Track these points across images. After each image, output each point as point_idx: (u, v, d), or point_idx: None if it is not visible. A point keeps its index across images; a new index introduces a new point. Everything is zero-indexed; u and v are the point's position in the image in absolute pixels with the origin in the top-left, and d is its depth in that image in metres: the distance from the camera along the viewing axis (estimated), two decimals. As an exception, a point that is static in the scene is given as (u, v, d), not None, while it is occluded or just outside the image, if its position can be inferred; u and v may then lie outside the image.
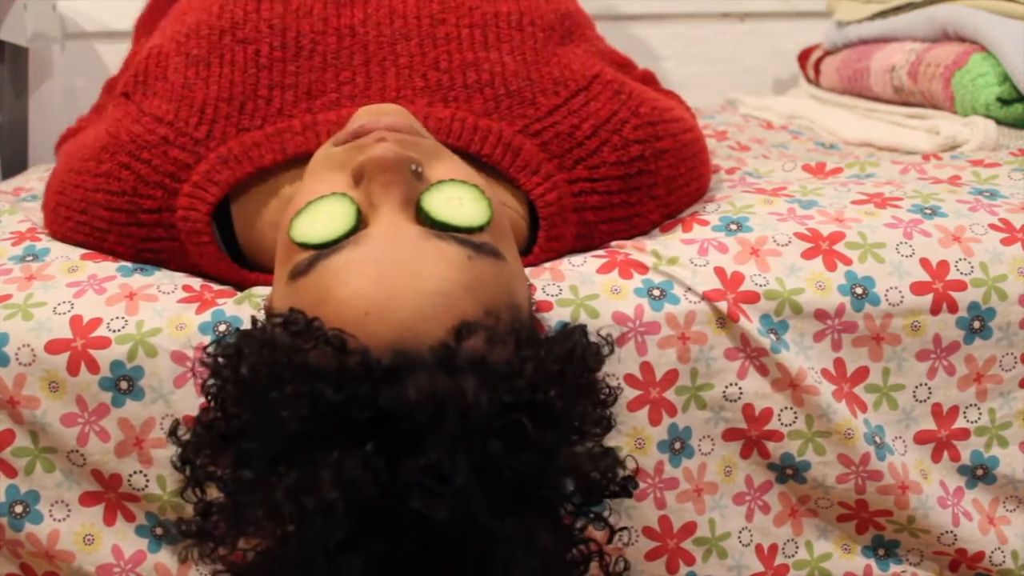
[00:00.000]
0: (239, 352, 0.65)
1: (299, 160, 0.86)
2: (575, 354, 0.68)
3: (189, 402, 0.81)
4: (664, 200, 0.94)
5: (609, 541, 0.71)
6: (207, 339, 0.82)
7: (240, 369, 0.64)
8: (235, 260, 0.90)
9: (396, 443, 0.60)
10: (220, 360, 0.66)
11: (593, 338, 0.72)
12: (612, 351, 0.74)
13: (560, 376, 0.65)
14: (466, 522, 0.60)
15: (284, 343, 0.63)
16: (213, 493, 0.68)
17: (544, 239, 0.89)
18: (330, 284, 0.66)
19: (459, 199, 0.71)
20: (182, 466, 0.68)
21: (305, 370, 0.62)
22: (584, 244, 0.92)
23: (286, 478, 0.60)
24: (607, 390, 0.73)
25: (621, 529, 0.74)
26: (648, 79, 1.11)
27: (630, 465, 0.73)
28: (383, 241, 0.67)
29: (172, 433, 0.70)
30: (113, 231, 0.90)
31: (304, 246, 0.69)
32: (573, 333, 0.71)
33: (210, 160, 0.86)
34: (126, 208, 0.89)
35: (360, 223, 0.69)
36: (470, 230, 0.69)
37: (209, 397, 0.68)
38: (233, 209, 0.88)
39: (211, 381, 0.68)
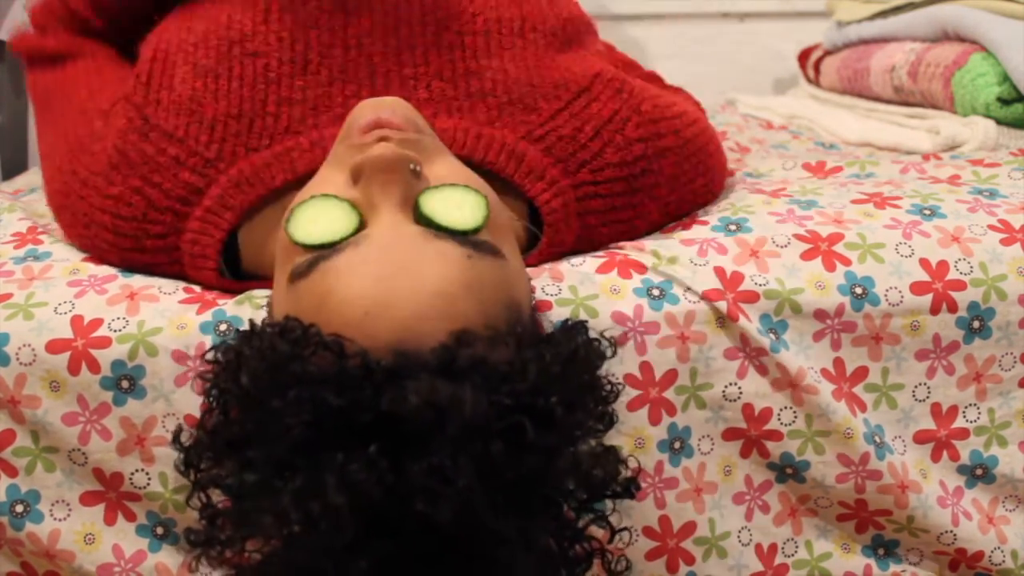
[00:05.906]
0: (239, 360, 0.65)
1: (309, 177, 0.86)
2: (578, 355, 0.68)
3: (190, 401, 0.82)
4: (666, 199, 0.94)
5: (610, 541, 0.71)
6: (208, 339, 0.82)
7: (240, 378, 0.63)
8: (232, 274, 0.89)
9: (399, 444, 0.60)
10: (220, 368, 0.66)
11: (593, 334, 0.72)
12: (615, 353, 0.74)
13: (562, 377, 0.65)
14: (470, 522, 0.60)
15: (283, 351, 0.63)
16: (216, 496, 0.68)
17: (547, 245, 0.89)
18: (331, 285, 0.66)
19: (457, 203, 0.71)
20: (186, 471, 0.68)
21: (306, 376, 0.61)
22: (583, 247, 0.92)
23: (292, 483, 0.60)
24: (609, 386, 0.73)
25: (622, 529, 0.74)
26: (652, 79, 1.11)
27: (631, 465, 0.73)
28: (382, 242, 0.67)
29: (175, 439, 0.70)
30: (114, 253, 0.90)
31: (305, 247, 0.69)
32: (575, 332, 0.71)
33: (221, 184, 0.86)
34: (132, 234, 0.88)
35: (360, 225, 0.69)
36: (465, 233, 0.69)
37: (211, 401, 0.68)
38: (241, 229, 0.88)
39: (212, 389, 0.68)
